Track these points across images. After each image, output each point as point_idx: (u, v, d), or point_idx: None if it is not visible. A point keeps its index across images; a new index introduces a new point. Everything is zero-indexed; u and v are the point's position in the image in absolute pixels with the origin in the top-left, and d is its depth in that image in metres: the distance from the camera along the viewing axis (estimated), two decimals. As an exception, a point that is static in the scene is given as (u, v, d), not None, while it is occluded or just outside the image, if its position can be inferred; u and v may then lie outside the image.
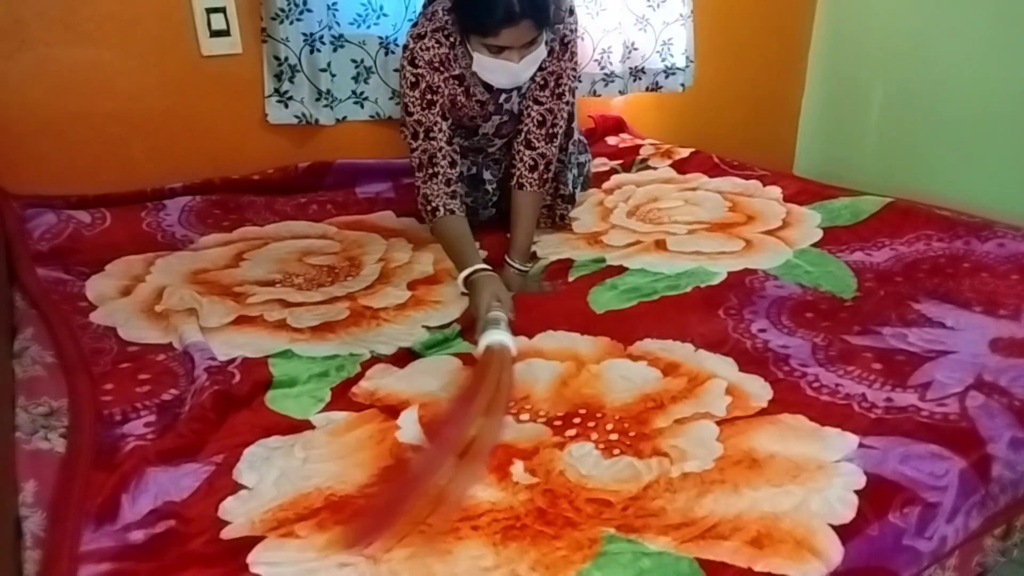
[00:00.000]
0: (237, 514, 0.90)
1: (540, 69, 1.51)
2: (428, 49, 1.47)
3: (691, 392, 1.13)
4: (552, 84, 1.52)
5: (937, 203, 1.81)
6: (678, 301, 1.44)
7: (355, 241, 1.74)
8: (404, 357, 1.25)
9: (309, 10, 1.89)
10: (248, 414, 1.10)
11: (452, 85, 1.51)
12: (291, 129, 2.01)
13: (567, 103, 1.55)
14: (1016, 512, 1.07)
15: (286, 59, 1.91)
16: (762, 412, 1.08)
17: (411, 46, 1.48)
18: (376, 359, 1.24)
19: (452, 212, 1.51)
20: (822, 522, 0.87)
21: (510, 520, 0.88)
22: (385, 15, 2.03)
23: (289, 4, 1.86)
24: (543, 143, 1.53)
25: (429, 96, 1.46)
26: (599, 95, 2.44)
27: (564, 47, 1.50)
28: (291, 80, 1.94)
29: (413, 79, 1.47)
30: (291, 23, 1.88)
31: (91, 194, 1.75)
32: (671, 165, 2.25)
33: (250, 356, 1.23)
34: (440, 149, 1.49)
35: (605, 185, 2.09)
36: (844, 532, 0.86)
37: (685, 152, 2.30)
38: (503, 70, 1.43)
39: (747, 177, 2.12)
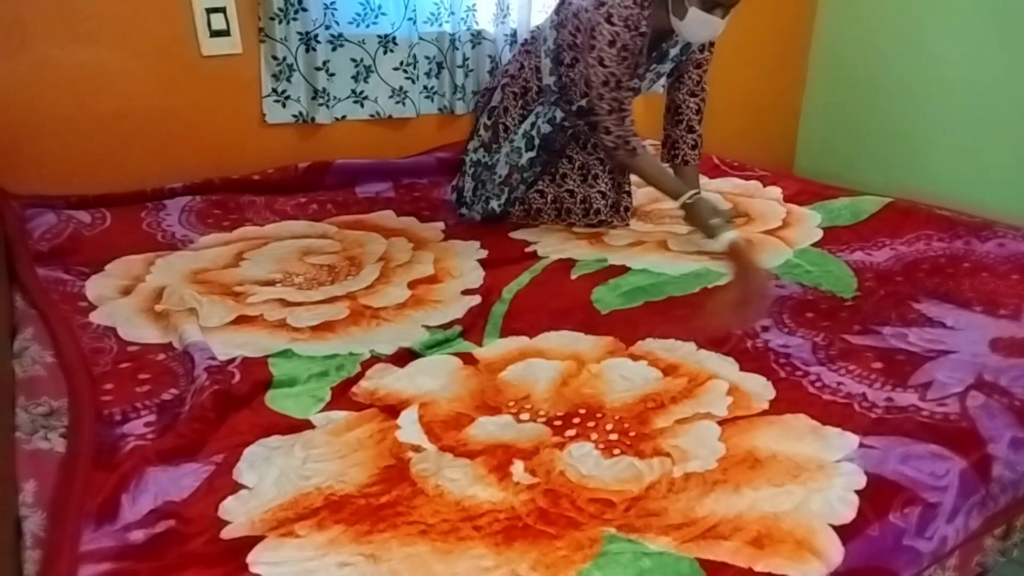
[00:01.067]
0: (237, 514, 0.90)
1: (698, 66, 1.80)
2: (625, 7, 1.60)
3: (692, 392, 1.13)
4: (706, 80, 1.82)
5: (937, 203, 1.81)
6: (686, 302, 1.44)
7: (355, 241, 1.74)
8: (404, 357, 1.25)
9: (305, 9, 1.89)
10: (248, 414, 1.09)
11: (635, 44, 1.64)
12: (291, 129, 2.01)
13: None
14: (1016, 512, 1.07)
15: (283, 58, 1.91)
16: (764, 412, 1.08)
17: (608, 3, 1.60)
18: (376, 359, 1.24)
19: (646, 148, 1.73)
20: (822, 522, 0.87)
21: (511, 520, 0.88)
22: (384, 14, 2.03)
23: (287, 3, 1.87)
24: (700, 127, 1.83)
25: (624, 53, 1.62)
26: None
27: (707, 48, 1.78)
28: (288, 79, 1.94)
29: (611, 36, 1.60)
30: (288, 23, 1.88)
31: (91, 194, 1.75)
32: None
33: (250, 356, 1.23)
34: (627, 98, 1.69)
35: (605, 185, 2.09)
36: (844, 532, 0.86)
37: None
38: (709, 25, 1.60)
39: (747, 177, 2.12)
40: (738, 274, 1.46)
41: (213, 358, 1.20)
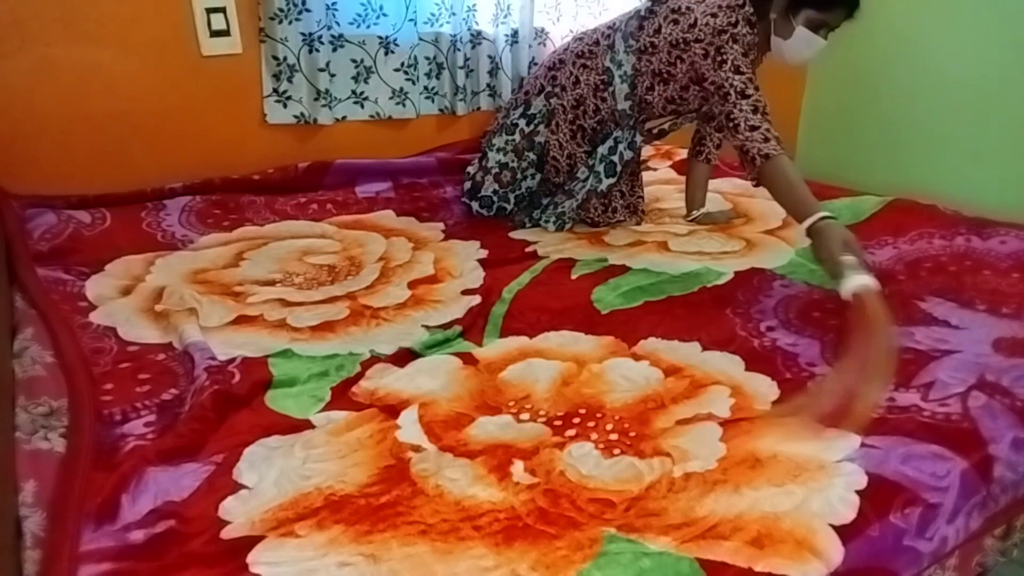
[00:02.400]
0: (237, 514, 0.90)
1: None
2: (743, 34, 1.64)
3: (693, 393, 1.13)
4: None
5: (938, 202, 1.81)
6: (686, 301, 1.44)
7: (355, 240, 1.74)
8: (404, 357, 1.25)
9: (308, 10, 1.89)
10: (248, 414, 1.09)
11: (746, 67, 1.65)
12: (291, 129, 2.01)
13: None
14: (1016, 512, 1.07)
15: (285, 59, 1.91)
16: (766, 412, 1.08)
17: (729, 31, 1.64)
18: (376, 359, 1.24)
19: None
20: (823, 522, 0.87)
21: (511, 520, 0.88)
22: (385, 15, 2.03)
23: (288, 4, 1.86)
24: (735, 134, 1.62)
25: (750, 66, 1.65)
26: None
27: None
28: (290, 80, 1.94)
29: (742, 50, 1.64)
30: (290, 23, 1.88)
31: (91, 194, 1.75)
32: (671, 166, 2.25)
33: (250, 356, 1.23)
34: (764, 103, 1.63)
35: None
36: (845, 532, 0.85)
37: (685, 153, 2.29)
38: (813, 44, 1.63)
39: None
40: (861, 330, 1.17)
41: (213, 358, 1.20)
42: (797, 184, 1.47)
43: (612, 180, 1.80)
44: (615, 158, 1.79)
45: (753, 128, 1.55)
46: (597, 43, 1.84)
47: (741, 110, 1.58)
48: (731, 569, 0.81)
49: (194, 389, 1.11)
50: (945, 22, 2.56)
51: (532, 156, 1.88)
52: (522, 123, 1.90)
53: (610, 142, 1.81)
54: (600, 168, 1.80)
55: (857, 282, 1.21)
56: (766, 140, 1.52)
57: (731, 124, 1.59)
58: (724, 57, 1.63)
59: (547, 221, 1.86)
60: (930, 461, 0.96)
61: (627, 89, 1.77)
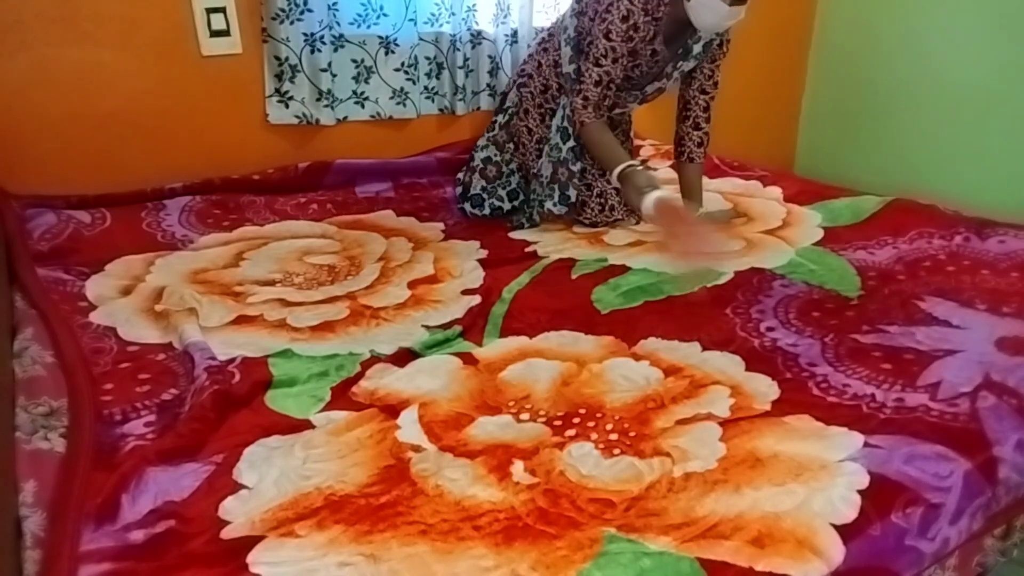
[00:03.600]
0: (237, 514, 0.89)
1: (711, 61, 1.79)
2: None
3: (693, 393, 1.13)
4: (717, 77, 1.81)
5: (938, 202, 1.81)
6: (686, 301, 1.44)
7: (355, 240, 1.74)
8: (404, 357, 1.25)
9: (310, 10, 1.89)
10: (248, 414, 1.09)
11: (647, 29, 1.66)
12: (291, 129, 2.01)
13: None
14: (1016, 512, 1.07)
15: (286, 59, 1.91)
16: (766, 413, 1.08)
17: None
18: (376, 359, 1.24)
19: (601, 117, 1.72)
20: (824, 522, 0.86)
21: (511, 520, 0.88)
22: (385, 15, 2.03)
23: (289, 4, 1.86)
24: (706, 125, 1.83)
25: (631, 32, 1.65)
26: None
27: (724, 45, 1.78)
28: (292, 80, 1.94)
29: (625, 12, 1.63)
30: (291, 23, 1.88)
31: (91, 194, 1.75)
32: (671, 166, 2.24)
33: (250, 356, 1.23)
34: (616, 77, 1.70)
35: (605, 185, 2.09)
36: (846, 532, 0.85)
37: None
38: (712, 10, 1.59)
39: (747, 177, 2.12)
40: (669, 233, 1.48)
41: (213, 358, 1.20)
42: (605, 144, 1.69)
43: (572, 144, 1.77)
44: (565, 123, 1.78)
45: (585, 98, 1.69)
46: (557, 25, 1.87)
47: (588, 72, 1.68)
48: (732, 569, 0.81)
49: (194, 389, 1.11)
50: (945, 22, 2.56)
51: (511, 147, 1.90)
52: (500, 117, 1.93)
53: (560, 111, 1.80)
54: (557, 137, 1.79)
55: (654, 196, 1.45)
56: (585, 107, 1.69)
57: (574, 84, 1.71)
58: (607, 15, 1.64)
59: (530, 218, 1.86)
60: (933, 461, 0.96)
61: (570, 52, 1.77)
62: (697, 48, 1.75)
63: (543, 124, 1.87)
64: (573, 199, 1.81)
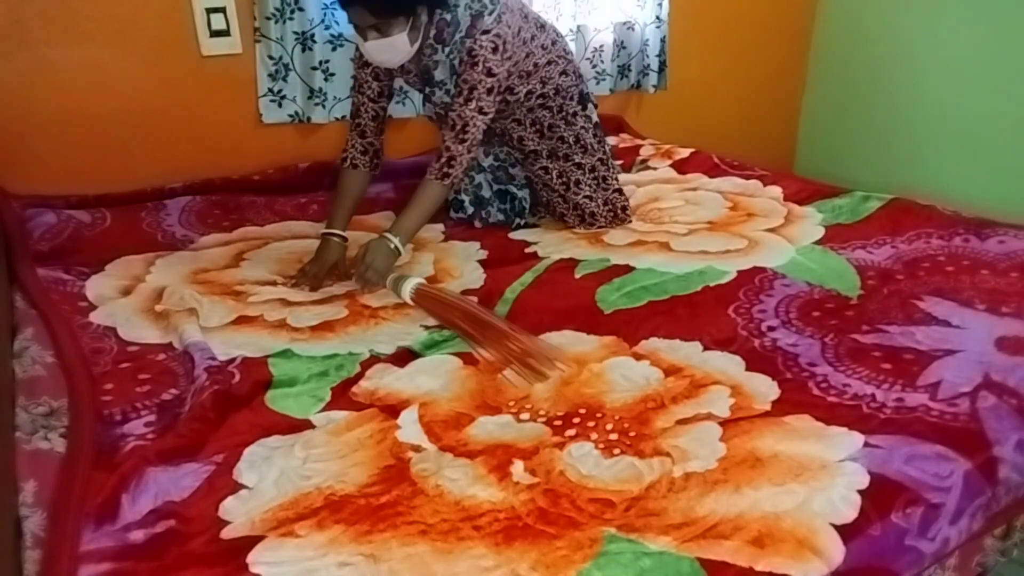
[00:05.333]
0: (237, 514, 0.90)
1: (456, 75, 1.58)
2: None
3: (693, 393, 1.13)
4: (466, 92, 1.55)
5: (937, 202, 1.81)
6: (689, 300, 1.44)
7: (355, 241, 1.73)
8: (404, 357, 1.25)
9: (301, 9, 1.89)
10: (248, 414, 1.09)
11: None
12: (291, 129, 2.01)
13: (483, 113, 1.56)
14: (1016, 512, 1.07)
15: (280, 58, 1.91)
16: (766, 413, 1.08)
17: None
18: (376, 358, 1.24)
19: (355, 166, 1.67)
20: (824, 521, 0.86)
21: (511, 520, 0.88)
22: (385, 15, 2.03)
23: (283, 3, 1.87)
24: (452, 141, 1.55)
25: (362, 56, 1.58)
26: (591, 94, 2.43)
27: (471, 58, 1.53)
28: (284, 79, 1.94)
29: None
30: (284, 22, 1.88)
31: (91, 194, 1.75)
32: (671, 165, 2.24)
33: (250, 356, 1.23)
34: (363, 104, 1.65)
35: (605, 185, 2.09)
36: (846, 532, 0.85)
37: (685, 152, 2.29)
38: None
39: (747, 177, 2.11)
40: (447, 307, 1.38)
41: (213, 358, 1.20)
42: (345, 194, 1.67)
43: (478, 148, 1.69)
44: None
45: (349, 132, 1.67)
46: None
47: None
48: (732, 568, 0.81)
49: (194, 389, 1.11)
50: (945, 22, 2.56)
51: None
52: None
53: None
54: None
55: (411, 284, 1.43)
56: (344, 150, 1.68)
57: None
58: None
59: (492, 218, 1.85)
60: (933, 461, 0.96)
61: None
62: (440, 74, 1.61)
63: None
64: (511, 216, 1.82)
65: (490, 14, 1.55)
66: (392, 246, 1.49)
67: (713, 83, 2.75)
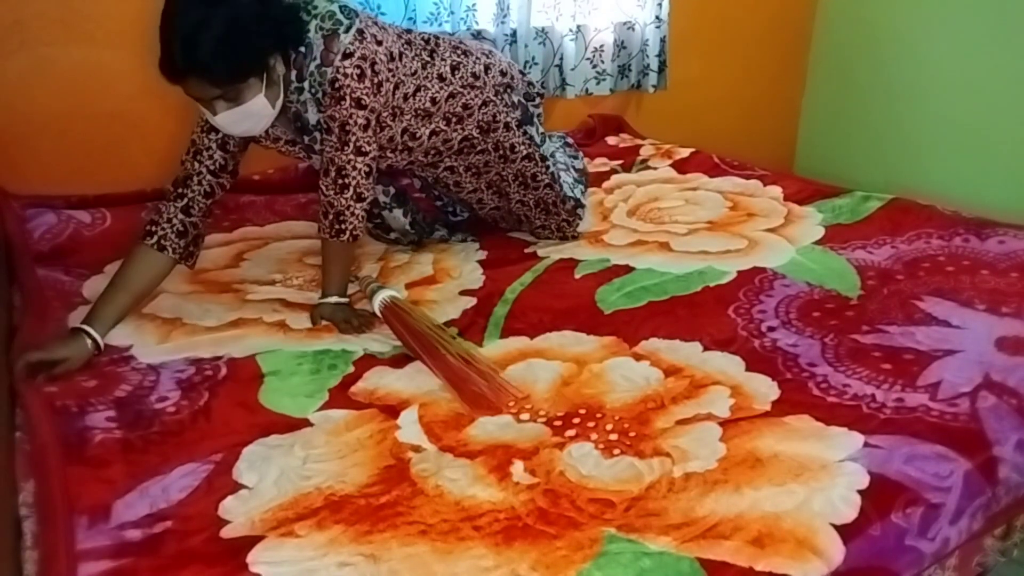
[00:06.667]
0: (237, 513, 0.90)
1: (321, 112, 1.35)
2: None
3: (693, 393, 1.13)
4: (337, 131, 1.33)
5: (937, 202, 1.81)
6: (689, 301, 1.44)
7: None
8: (403, 357, 1.25)
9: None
10: (245, 413, 1.09)
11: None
12: (291, 129, 2.01)
13: (361, 153, 1.35)
14: (1016, 512, 1.07)
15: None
16: (766, 413, 1.08)
17: None
18: (370, 357, 1.24)
19: (162, 248, 1.32)
20: (824, 521, 0.87)
21: (511, 520, 0.88)
22: (383, 14, 2.02)
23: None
24: (332, 192, 1.35)
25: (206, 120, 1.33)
26: (591, 94, 2.44)
27: (336, 91, 1.31)
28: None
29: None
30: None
31: (91, 194, 1.75)
32: (671, 165, 2.24)
33: (238, 355, 1.23)
34: (198, 174, 1.38)
35: (605, 185, 2.09)
36: (846, 532, 0.85)
37: (685, 152, 2.29)
38: (210, 119, 1.27)
39: (747, 177, 2.11)
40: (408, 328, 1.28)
41: (181, 371, 1.18)
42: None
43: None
44: None
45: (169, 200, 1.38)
46: None
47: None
48: (732, 568, 0.81)
49: (184, 389, 1.12)
50: (945, 22, 2.56)
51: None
52: None
53: None
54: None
55: (382, 296, 1.34)
56: (154, 222, 1.35)
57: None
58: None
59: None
60: (934, 461, 0.96)
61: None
62: (309, 118, 1.38)
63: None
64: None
65: (347, 31, 1.30)
66: (333, 302, 1.36)
67: (713, 83, 2.74)
